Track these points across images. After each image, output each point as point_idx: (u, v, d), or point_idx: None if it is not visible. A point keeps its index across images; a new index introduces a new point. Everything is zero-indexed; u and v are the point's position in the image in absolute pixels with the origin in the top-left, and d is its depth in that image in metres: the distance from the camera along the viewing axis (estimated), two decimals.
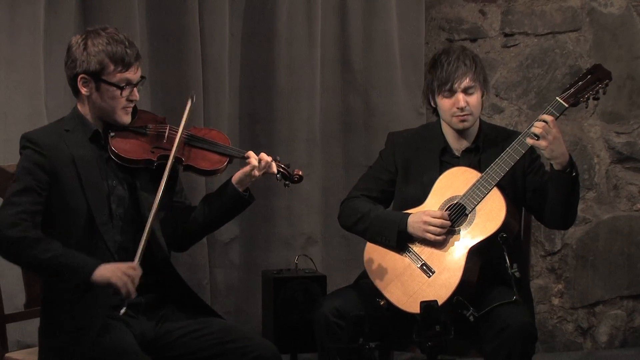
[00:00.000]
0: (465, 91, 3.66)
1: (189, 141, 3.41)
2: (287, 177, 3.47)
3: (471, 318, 3.44)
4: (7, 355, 3.51)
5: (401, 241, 3.64)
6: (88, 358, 3.18)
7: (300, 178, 3.50)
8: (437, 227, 3.56)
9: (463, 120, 3.68)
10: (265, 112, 4.78)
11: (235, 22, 4.73)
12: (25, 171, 3.25)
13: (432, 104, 3.74)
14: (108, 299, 3.23)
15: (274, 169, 3.43)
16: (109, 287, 3.16)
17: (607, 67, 3.65)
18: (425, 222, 3.58)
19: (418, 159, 3.78)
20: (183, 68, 4.58)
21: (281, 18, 4.73)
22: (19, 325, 3.97)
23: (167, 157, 3.32)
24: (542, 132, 3.50)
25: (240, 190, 3.42)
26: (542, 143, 3.50)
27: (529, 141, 3.52)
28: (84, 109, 3.36)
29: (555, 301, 5.28)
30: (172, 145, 3.33)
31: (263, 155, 3.42)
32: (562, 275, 5.28)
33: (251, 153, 3.41)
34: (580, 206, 5.17)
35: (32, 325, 3.94)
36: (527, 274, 3.90)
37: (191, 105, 3.41)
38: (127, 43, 3.31)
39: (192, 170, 3.41)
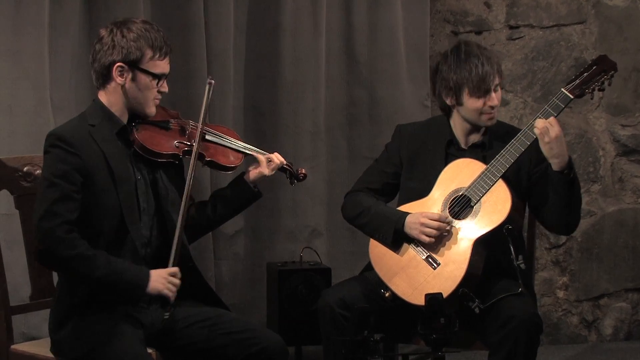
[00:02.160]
0: (495, 89, 3.67)
1: (210, 138, 3.46)
2: (294, 175, 3.60)
3: (476, 310, 3.44)
4: (12, 347, 3.51)
5: (397, 240, 3.64)
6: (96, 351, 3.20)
7: (305, 176, 3.62)
8: (434, 229, 3.56)
9: (492, 118, 3.68)
10: (270, 104, 4.79)
11: (240, 14, 4.73)
12: (60, 174, 3.19)
13: (452, 101, 3.71)
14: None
15: (284, 165, 3.57)
16: (158, 297, 3.27)
17: (612, 59, 3.64)
18: (423, 224, 3.57)
19: (424, 151, 3.78)
20: (188, 60, 4.58)
21: (286, 10, 4.73)
22: (24, 317, 3.98)
23: (190, 152, 3.35)
24: (543, 129, 3.50)
25: (253, 187, 3.52)
26: (550, 135, 3.50)
27: (537, 131, 3.52)
28: (110, 100, 3.31)
29: (560, 294, 5.28)
30: (195, 141, 3.36)
31: (278, 156, 3.55)
32: (567, 268, 5.28)
33: (274, 156, 3.53)
34: (585, 199, 5.20)
35: (38, 318, 3.96)
36: (532, 266, 3.89)
37: (210, 89, 3.42)
38: (162, 32, 3.33)
39: (212, 165, 3.47)
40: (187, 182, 3.31)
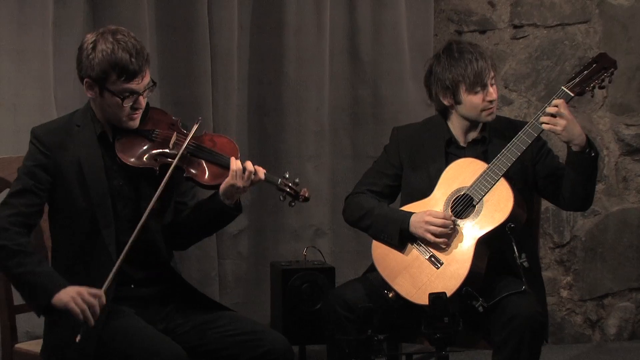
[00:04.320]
0: (491, 83, 3.67)
1: (194, 152, 3.31)
2: (293, 196, 3.32)
3: (480, 309, 3.44)
4: (16, 346, 3.52)
5: (403, 240, 3.64)
6: (96, 347, 3.18)
7: (306, 199, 3.33)
8: (439, 227, 3.56)
9: (492, 113, 3.69)
10: (274, 103, 4.78)
11: (244, 13, 4.73)
12: (26, 170, 3.24)
13: (449, 102, 3.70)
14: (113, 293, 3.23)
15: (261, 175, 3.27)
16: (67, 312, 3.08)
17: (617, 59, 3.63)
18: (427, 222, 3.57)
19: (424, 151, 3.78)
20: (192, 59, 4.58)
21: (290, 9, 4.72)
22: (28, 317, 3.97)
23: (169, 165, 3.25)
24: (551, 121, 3.50)
25: (228, 201, 3.29)
26: (557, 128, 3.50)
27: (545, 127, 3.52)
28: (94, 106, 3.32)
29: (564, 293, 5.28)
30: (177, 154, 3.26)
31: (248, 164, 3.26)
32: (570, 267, 5.27)
33: (232, 160, 3.25)
34: None
35: (41, 317, 3.95)
36: (538, 263, 3.88)
37: (197, 127, 3.31)
38: (133, 51, 3.19)
39: (193, 182, 3.32)
40: (156, 193, 3.20)
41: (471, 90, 3.65)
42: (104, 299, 3.10)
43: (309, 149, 4.80)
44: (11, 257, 3.15)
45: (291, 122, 4.79)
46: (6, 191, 3.60)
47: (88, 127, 3.30)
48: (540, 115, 3.56)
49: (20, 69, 4.32)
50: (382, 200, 3.79)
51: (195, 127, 3.31)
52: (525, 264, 3.43)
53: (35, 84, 4.33)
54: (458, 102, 3.69)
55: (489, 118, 3.70)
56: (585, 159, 3.55)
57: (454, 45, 3.71)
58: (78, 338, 3.07)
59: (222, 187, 3.28)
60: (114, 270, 3.13)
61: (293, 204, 3.36)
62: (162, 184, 3.21)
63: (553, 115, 3.52)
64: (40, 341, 3.56)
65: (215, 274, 4.72)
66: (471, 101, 3.66)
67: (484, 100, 3.66)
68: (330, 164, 4.88)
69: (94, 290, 3.10)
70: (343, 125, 4.91)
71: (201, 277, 4.66)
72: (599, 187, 5.22)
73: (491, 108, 3.68)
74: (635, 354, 5.14)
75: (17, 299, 3.60)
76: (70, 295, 3.08)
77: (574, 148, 3.55)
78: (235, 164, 3.24)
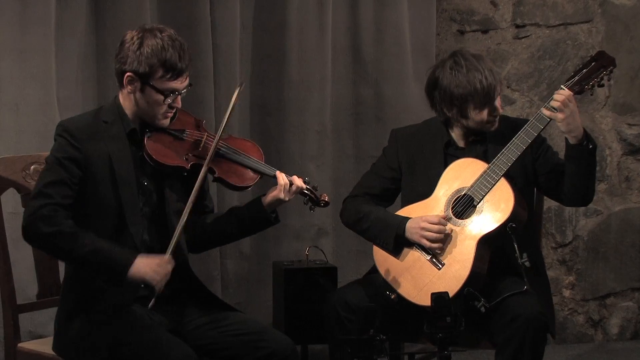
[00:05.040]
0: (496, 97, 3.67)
1: (225, 153, 3.36)
2: (315, 201, 3.45)
3: (482, 309, 3.44)
4: (19, 345, 3.52)
5: (399, 245, 3.63)
6: (109, 344, 3.19)
7: (327, 203, 3.47)
8: (434, 232, 3.55)
9: (495, 123, 3.68)
10: (276, 103, 4.78)
11: (246, 13, 4.73)
12: (59, 162, 3.21)
13: (455, 115, 3.67)
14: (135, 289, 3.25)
15: (301, 185, 3.41)
16: (142, 283, 3.18)
17: (619, 58, 3.63)
18: (423, 228, 3.57)
19: (422, 153, 3.77)
20: (194, 59, 4.55)
21: (292, 8, 4.72)
22: (31, 316, 3.99)
23: (200, 166, 3.29)
24: (561, 105, 3.49)
25: (270, 212, 3.41)
26: (559, 115, 3.50)
27: (546, 112, 3.51)
28: (125, 103, 3.31)
29: (567, 293, 5.27)
30: (207, 155, 3.30)
31: (295, 178, 3.38)
32: (573, 267, 5.27)
33: (279, 174, 3.37)
34: None
35: (44, 316, 3.97)
36: (542, 262, 3.88)
37: (239, 92, 3.36)
38: (181, 51, 3.24)
39: (222, 182, 3.37)
40: (194, 191, 3.25)
41: (478, 107, 3.63)
42: (172, 264, 3.20)
43: (311, 148, 4.80)
44: (70, 240, 3.15)
45: (293, 122, 4.79)
46: (9, 191, 3.62)
47: (117, 124, 3.30)
48: (540, 114, 3.56)
49: (22, 69, 4.32)
50: (380, 204, 3.79)
51: (237, 92, 3.34)
52: (527, 263, 3.43)
53: (38, 84, 4.33)
54: (464, 117, 3.67)
55: (492, 128, 3.70)
56: (584, 150, 3.54)
57: (460, 59, 3.65)
58: (151, 304, 3.19)
59: (267, 200, 3.38)
60: (175, 236, 3.20)
61: (313, 209, 3.47)
62: (198, 183, 3.25)
63: (554, 108, 3.51)
64: (44, 340, 3.59)
65: (218, 273, 4.73)
66: (478, 116, 3.65)
67: (490, 114, 3.66)
68: (332, 164, 4.88)
69: (164, 258, 3.18)
70: (345, 125, 4.91)
71: (203, 276, 4.62)
72: (602, 187, 5.22)
73: (495, 120, 3.68)
74: (638, 353, 5.14)
75: (20, 298, 3.61)
76: (145, 270, 3.15)
77: (572, 140, 3.54)
78: (282, 179, 3.35)
